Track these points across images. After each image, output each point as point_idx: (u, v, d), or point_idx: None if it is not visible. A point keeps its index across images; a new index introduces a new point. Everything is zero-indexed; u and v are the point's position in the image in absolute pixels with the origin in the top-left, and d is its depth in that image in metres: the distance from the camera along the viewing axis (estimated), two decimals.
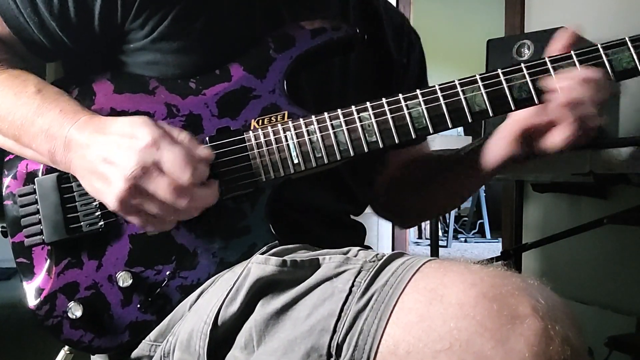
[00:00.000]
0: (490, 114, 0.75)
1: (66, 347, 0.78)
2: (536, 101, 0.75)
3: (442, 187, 0.98)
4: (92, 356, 0.82)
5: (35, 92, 0.74)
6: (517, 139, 0.82)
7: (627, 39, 0.74)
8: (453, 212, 5.58)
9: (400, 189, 1.04)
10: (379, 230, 4.09)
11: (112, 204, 0.68)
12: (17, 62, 0.80)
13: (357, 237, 0.99)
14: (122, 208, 0.68)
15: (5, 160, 0.80)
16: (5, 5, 0.76)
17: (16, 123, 0.74)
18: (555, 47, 0.77)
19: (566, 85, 0.73)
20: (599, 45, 0.75)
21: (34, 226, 0.76)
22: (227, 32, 0.80)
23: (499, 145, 0.85)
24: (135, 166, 0.66)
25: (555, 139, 0.76)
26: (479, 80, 0.75)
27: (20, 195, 0.77)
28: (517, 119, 0.81)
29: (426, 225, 5.78)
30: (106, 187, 0.68)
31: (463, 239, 5.77)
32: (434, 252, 2.36)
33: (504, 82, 0.75)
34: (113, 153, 0.67)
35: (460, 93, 0.75)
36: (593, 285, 1.92)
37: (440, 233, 5.22)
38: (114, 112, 0.77)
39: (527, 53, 1.32)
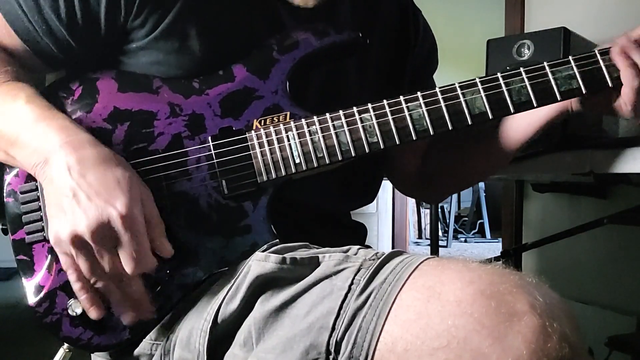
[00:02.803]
0: (490, 117, 0.76)
1: (65, 346, 0.78)
2: (535, 104, 0.77)
3: (477, 159, 0.99)
4: (92, 355, 0.82)
5: (24, 103, 0.74)
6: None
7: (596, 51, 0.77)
8: (453, 212, 5.59)
9: (435, 165, 1.04)
10: (379, 230, 4.09)
11: (57, 234, 0.68)
12: (22, 74, 0.80)
13: (357, 237, 0.99)
14: (58, 244, 0.68)
15: None
16: (14, 16, 0.77)
17: (4, 138, 0.74)
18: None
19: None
20: (596, 50, 0.77)
21: (36, 223, 0.77)
22: (227, 32, 0.80)
23: (532, 122, 0.88)
24: (96, 224, 0.66)
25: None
26: (478, 84, 0.76)
27: (22, 192, 0.78)
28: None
29: (426, 225, 5.79)
30: (63, 216, 0.67)
31: (463, 239, 5.77)
32: (434, 252, 2.36)
33: (503, 85, 0.76)
34: (83, 198, 0.67)
35: (461, 96, 0.76)
36: (593, 285, 1.92)
37: (440, 233, 5.22)
38: (117, 111, 0.78)
39: (527, 53, 1.31)
